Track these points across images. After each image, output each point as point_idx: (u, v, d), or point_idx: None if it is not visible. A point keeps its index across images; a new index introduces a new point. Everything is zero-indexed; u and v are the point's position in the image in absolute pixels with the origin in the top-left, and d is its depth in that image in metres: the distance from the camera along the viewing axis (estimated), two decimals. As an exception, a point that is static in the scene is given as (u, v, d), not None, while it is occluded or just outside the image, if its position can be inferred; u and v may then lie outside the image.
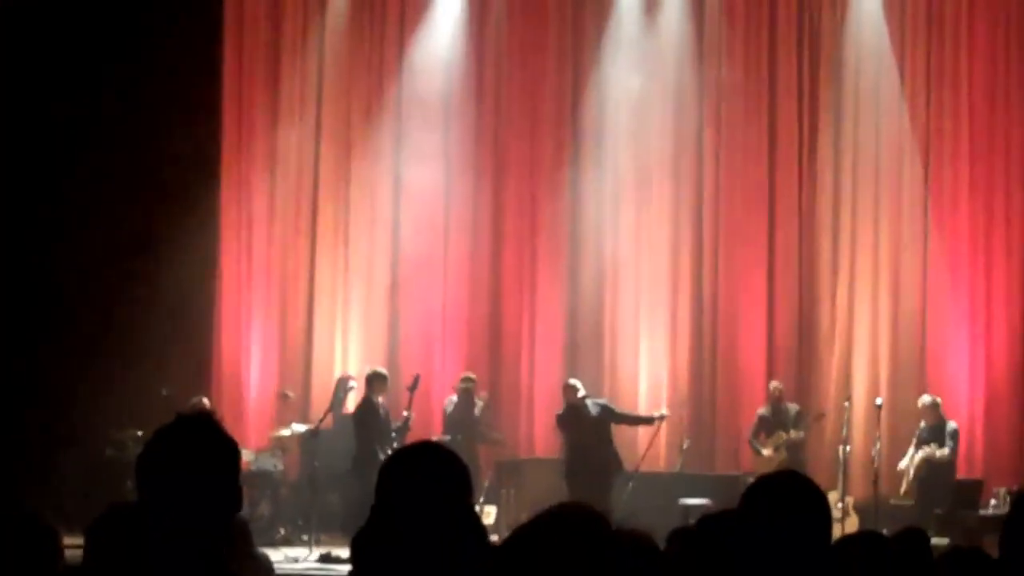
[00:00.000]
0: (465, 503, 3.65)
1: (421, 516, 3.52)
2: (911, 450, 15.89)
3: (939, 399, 16.10)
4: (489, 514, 15.51)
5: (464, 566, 3.47)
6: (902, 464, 15.91)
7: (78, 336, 16.99)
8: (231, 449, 3.48)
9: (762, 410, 16.63)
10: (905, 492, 15.83)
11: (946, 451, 15.72)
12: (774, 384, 16.78)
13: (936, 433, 15.86)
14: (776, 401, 16.52)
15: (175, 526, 3.36)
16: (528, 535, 2.72)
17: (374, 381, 15.31)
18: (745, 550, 3.54)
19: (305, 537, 15.25)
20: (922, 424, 16.00)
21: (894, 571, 4.86)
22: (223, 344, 17.97)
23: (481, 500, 15.28)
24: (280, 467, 16.46)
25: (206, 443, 3.43)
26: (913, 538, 5.14)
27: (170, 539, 3.36)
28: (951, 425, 15.93)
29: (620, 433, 15.71)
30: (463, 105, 18.29)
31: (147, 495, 3.41)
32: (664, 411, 16.02)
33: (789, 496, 3.94)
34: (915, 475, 15.75)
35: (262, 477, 16.08)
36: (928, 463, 15.69)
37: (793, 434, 16.23)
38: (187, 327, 17.47)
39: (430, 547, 3.47)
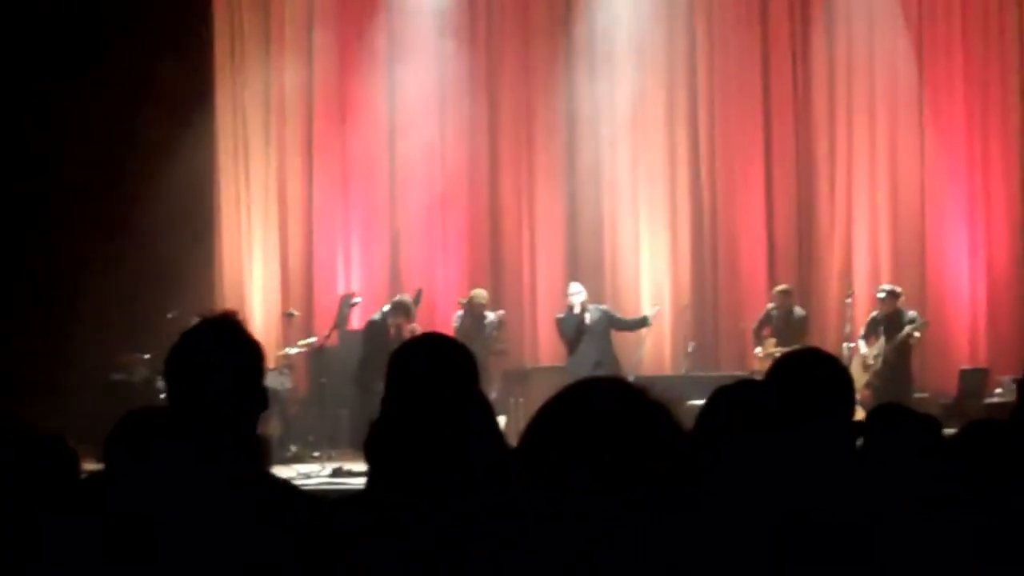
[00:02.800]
0: (472, 386, 3.67)
1: (429, 398, 3.54)
2: (862, 341, 15.50)
3: (899, 289, 15.63)
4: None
5: (476, 444, 3.49)
6: (869, 354, 15.41)
7: (76, 255, 16.63)
8: (257, 347, 3.46)
9: (771, 307, 16.08)
10: (866, 384, 15.04)
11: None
12: (784, 287, 16.28)
13: (893, 323, 15.33)
14: (782, 305, 15.91)
15: (206, 423, 3.33)
16: (558, 404, 2.62)
17: (395, 308, 15.34)
18: (766, 416, 3.47)
19: (316, 454, 15.43)
20: (874, 314, 15.57)
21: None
22: (224, 266, 17.94)
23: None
24: (288, 385, 16.45)
25: (233, 341, 3.40)
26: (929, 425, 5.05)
27: (202, 437, 3.32)
28: (911, 314, 15.45)
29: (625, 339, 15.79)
30: (457, 18, 18.19)
31: (176, 394, 3.39)
32: (655, 306, 16.06)
33: (816, 368, 3.97)
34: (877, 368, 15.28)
35: (271, 395, 15.98)
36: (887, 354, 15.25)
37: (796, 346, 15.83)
38: (188, 250, 17.32)
39: (441, 426, 3.48)
